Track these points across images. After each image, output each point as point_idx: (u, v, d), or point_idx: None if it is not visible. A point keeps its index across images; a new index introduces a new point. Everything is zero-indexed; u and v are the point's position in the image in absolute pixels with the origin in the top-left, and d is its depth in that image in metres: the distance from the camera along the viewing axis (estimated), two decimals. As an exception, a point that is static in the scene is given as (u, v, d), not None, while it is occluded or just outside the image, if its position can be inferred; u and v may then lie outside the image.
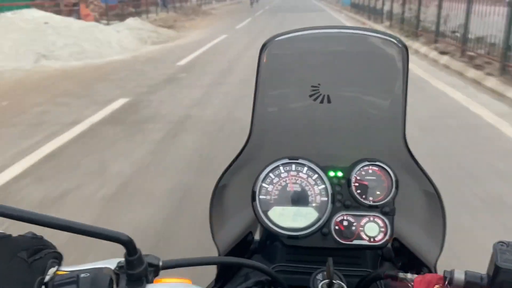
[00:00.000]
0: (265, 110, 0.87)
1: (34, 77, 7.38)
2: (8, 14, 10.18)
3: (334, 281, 0.66)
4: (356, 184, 0.81)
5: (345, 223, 0.80)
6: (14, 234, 0.51)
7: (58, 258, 0.52)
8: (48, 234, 0.51)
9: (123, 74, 7.51)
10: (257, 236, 0.93)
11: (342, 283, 0.67)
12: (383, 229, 0.79)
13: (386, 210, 0.80)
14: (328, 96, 0.84)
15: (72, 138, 4.27)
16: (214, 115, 5.00)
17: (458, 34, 8.45)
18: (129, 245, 0.51)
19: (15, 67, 8.00)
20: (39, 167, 3.59)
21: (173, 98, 5.85)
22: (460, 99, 5.58)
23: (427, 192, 0.86)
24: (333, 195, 0.80)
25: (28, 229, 0.53)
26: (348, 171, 0.82)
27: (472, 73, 6.80)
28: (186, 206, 2.88)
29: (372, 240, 0.79)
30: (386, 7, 14.93)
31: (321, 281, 0.67)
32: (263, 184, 0.81)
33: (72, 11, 13.37)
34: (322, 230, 0.79)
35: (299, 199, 0.80)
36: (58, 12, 12.10)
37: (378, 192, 0.80)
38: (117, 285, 0.52)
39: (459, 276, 0.56)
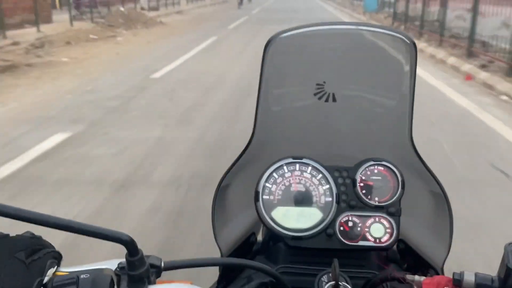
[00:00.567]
0: (269, 109, 0.85)
1: None
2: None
3: (340, 283, 0.64)
4: (362, 184, 0.79)
5: (350, 224, 0.78)
6: (12, 234, 0.49)
7: (57, 258, 0.51)
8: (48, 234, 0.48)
9: None
10: (260, 237, 0.92)
11: (348, 285, 0.65)
12: (389, 230, 0.78)
13: (392, 211, 0.78)
14: (333, 94, 0.82)
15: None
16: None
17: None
18: (130, 245, 0.49)
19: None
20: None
21: None
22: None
23: (433, 192, 0.84)
24: (338, 195, 0.79)
25: (26, 229, 0.51)
26: (353, 171, 0.80)
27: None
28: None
29: (377, 241, 0.77)
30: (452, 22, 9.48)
31: (327, 283, 0.65)
32: (267, 184, 0.79)
33: None
34: (326, 231, 0.78)
35: (303, 199, 0.79)
36: None
37: (383, 193, 0.79)
38: (118, 286, 0.51)
39: (469, 278, 0.55)
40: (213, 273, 0.84)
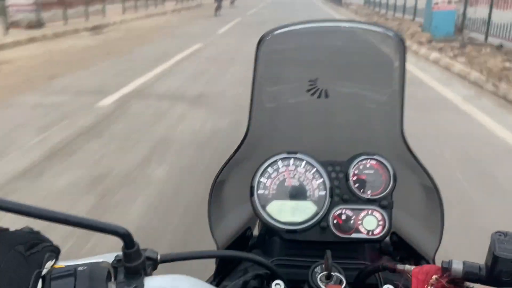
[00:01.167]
0: (263, 105, 0.87)
1: None
2: None
3: (332, 274, 0.66)
4: (354, 178, 0.81)
5: (343, 216, 0.80)
6: (11, 229, 0.50)
7: (55, 252, 0.52)
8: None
9: None
10: (255, 231, 0.93)
11: (341, 276, 0.67)
12: (381, 223, 0.79)
13: (384, 204, 0.80)
14: (325, 90, 0.84)
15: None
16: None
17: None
18: (126, 238, 0.51)
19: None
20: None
21: None
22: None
23: (424, 185, 0.86)
24: (331, 189, 0.80)
25: (24, 223, 0.53)
26: (346, 165, 0.82)
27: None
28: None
29: (370, 233, 0.79)
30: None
31: (319, 273, 0.67)
32: (261, 179, 0.81)
33: None
34: (320, 224, 0.79)
35: (298, 193, 0.80)
36: None
37: (376, 186, 0.81)
38: (115, 278, 0.52)
39: (457, 266, 0.56)
40: (210, 266, 0.86)
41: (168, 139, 4.27)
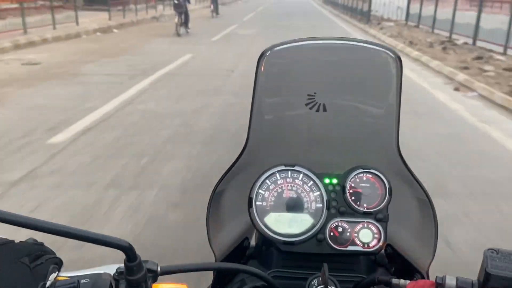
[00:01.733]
0: (262, 118, 0.88)
1: None
2: None
3: (329, 287, 0.67)
4: (351, 191, 0.82)
5: (339, 229, 0.81)
6: (16, 241, 0.51)
7: (58, 264, 0.53)
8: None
9: None
10: (253, 242, 0.94)
11: None
12: (376, 235, 0.81)
13: (380, 217, 0.81)
14: (324, 104, 0.85)
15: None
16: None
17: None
18: (129, 251, 0.52)
19: None
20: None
21: None
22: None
23: (419, 199, 0.88)
24: (328, 201, 0.81)
25: (28, 235, 0.53)
26: (343, 178, 0.83)
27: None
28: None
29: (366, 246, 0.80)
30: None
31: (316, 286, 0.68)
32: (260, 191, 0.82)
33: None
34: (317, 236, 0.80)
35: (295, 205, 0.82)
36: None
37: (372, 199, 0.82)
38: None
39: (451, 282, 0.58)
40: (208, 276, 0.86)
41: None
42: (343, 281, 0.72)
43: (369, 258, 0.88)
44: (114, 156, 3.93)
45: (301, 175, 0.83)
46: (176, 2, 13.28)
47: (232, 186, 0.91)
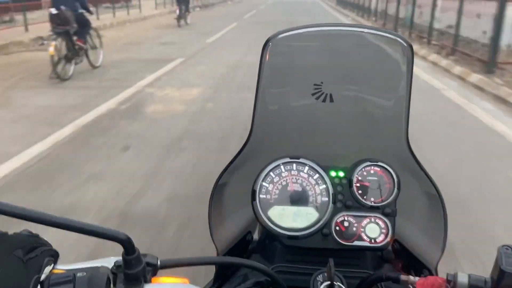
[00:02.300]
0: (267, 108, 0.86)
1: None
2: None
3: (335, 283, 0.65)
4: (358, 185, 0.80)
5: (346, 223, 0.79)
6: (10, 232, 0.49)
7: (54, 256, 0.51)
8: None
9: None
10: (256, 236, 0.92)
11: (343, 286, 0.66)
12: (384, 230, 0.78)
13: (388, 211, 0.79)
14: (330, 95, 0.83)
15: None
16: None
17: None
18: (127, 244, 0.50)
19: None
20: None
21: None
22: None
23: (428, 193, 0.85)
24: (334, 195, 0.79)
25: (23, 226, 0.52)
26: (349, 171, 0.81)
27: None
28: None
29: (373, 241, 0.78)
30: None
31: (322, 282, 0.66)
32: (263, 183, 0.80)
33: None
34: (322, 230, 0.78)
35: (300, 199, 0.79)
36: None
37: (379, 193, 0.80)
38: (114, 284, 0.51)
39: (463, 279, 0.55)
40: (209, 271, 0.85)
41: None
42: (349, 277, 0.69)
43: (376, 254, 0.86)
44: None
45: (307, 167, 0.80)
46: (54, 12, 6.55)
47: (235, 179, 0.89)
